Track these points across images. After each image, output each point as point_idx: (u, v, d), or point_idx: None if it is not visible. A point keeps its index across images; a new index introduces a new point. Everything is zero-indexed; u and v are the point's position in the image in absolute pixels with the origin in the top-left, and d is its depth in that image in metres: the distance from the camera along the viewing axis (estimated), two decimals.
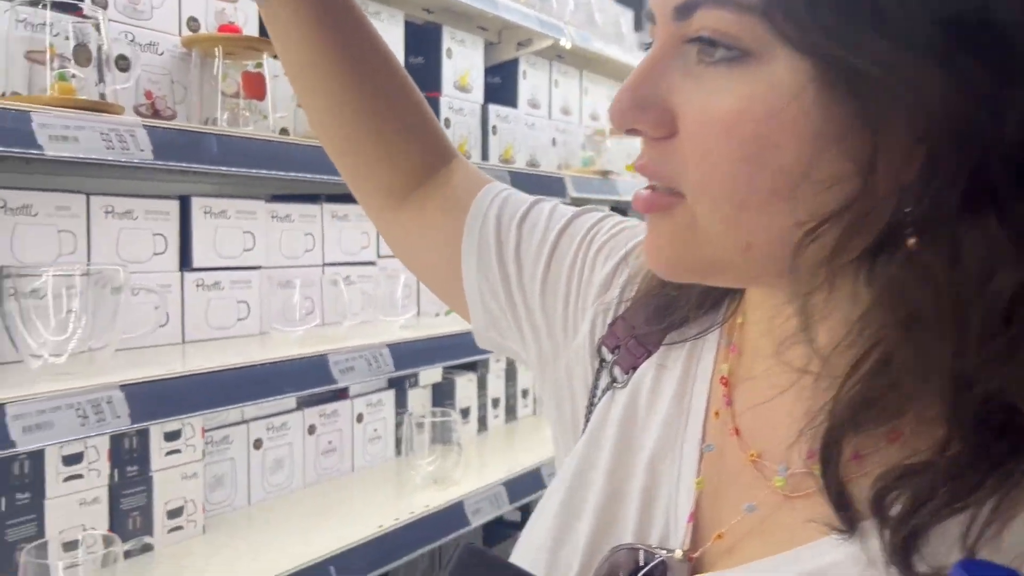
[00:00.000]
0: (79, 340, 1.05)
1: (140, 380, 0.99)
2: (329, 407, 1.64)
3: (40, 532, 1.15)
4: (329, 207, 1.56)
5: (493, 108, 1.77)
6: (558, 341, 0.62)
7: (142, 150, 0.97)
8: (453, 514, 1.53)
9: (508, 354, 0.70)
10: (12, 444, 0.87)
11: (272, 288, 1.42)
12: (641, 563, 0.50)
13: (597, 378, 0.59)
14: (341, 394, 1.69)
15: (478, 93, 1.77)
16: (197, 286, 1.32)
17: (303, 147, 1.20)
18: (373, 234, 1.66)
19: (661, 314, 0.56)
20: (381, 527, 1.39)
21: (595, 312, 0.60)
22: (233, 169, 1.07)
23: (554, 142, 1.98)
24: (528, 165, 1.86)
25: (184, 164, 1.02)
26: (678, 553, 0.49)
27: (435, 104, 1.65)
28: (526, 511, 2.13)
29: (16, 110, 0.89)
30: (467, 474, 1.68)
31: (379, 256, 1.68)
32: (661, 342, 0.56)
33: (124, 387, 0.97)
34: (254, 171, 1.11)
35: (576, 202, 1.94)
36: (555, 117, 2.01)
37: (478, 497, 1.59)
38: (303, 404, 1.61)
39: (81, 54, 0.98)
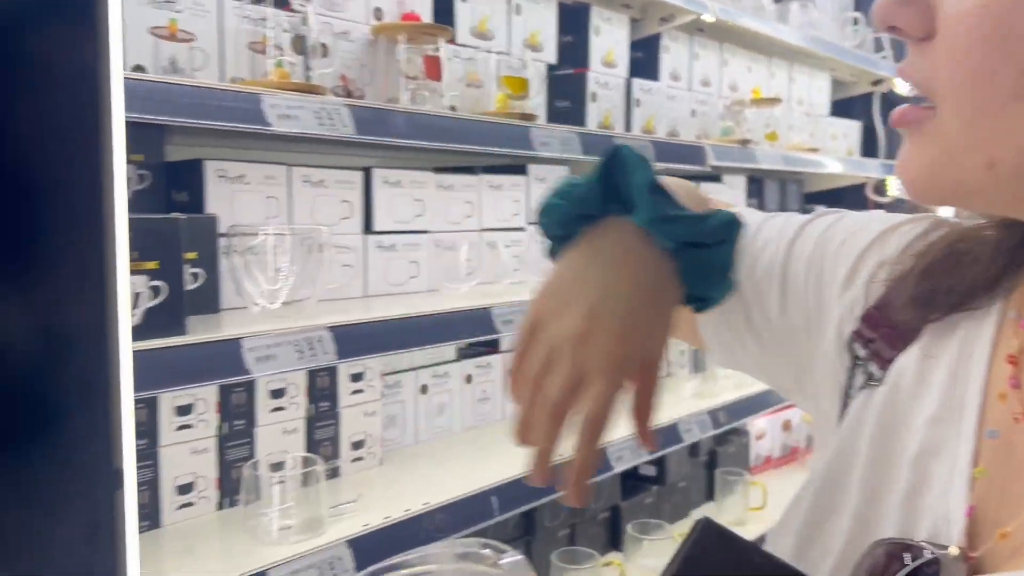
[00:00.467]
0: (289, 290, 1.23)
1: (344, 323, 1.16)
2: (484, 360, 1.80)
3: (252, 454, 1.35)
4: (486, 178, 1.70)
5: (636, 82, 1.86)
6: (804, 352, 0.60)
7: (345, 126, 1.13)
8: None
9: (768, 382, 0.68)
10: (247, 371, 1.05)
11: (438, 250, 1.58)
12: (908, 561, 0.44)
13: (851, 378, 0.55)
14: (494, 349, 1.84)
15: (623, 68, 1.87)
16: (377, 247, 1.49)
17: (472, 122, 1.34)
18: (523, 202, 1.79)
19: (926, 298, 0.51)
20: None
21: (841, 309, 0.56)
22: (416, 142, 1.23)
23: (693, 113, 2.05)
24: (668, 135, 1.95)
25: (377, 138, 1.18)
26: (953, 550, 0.43)
27: (582, 80, 1.76)
28: (661, 463, 2.24)
29: (248, 93, 1.07)
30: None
31: (528, 223, 1.81)
32: (922, 328, 0.51)
33: (331, 328, 1.15)
34: (433, 144, 1.26)
35: (716, 169, 2.02)
36: (695, 89, 2.08)
37: (619, 446, 1.71)
38: (462, 356, 1.77)
39: (294, 44, 1.15)
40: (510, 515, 1.66)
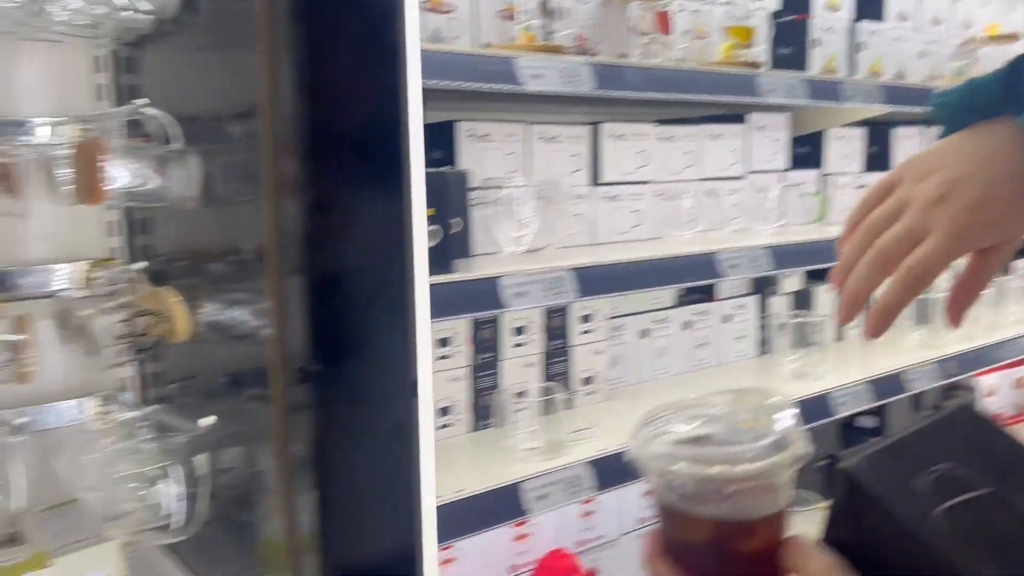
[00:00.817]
0: (531, 238, 1.36)
1: (584, 265, 1.27)
2: (702, 307, 1.86)
3: (497, 383, 1.50)
4: (706, 128, 1.74)
5: (861, 25, 1.82)
6: None
7: (585, 83, 1.23)
8: (819, 404, 1.68)
9: None
10: (503, 305, 1.19)
11: (660, 199, 1.65)
12: None
13: None
14: (710, 297, 1.90)
15: (847, 11, 1.83)
16: (604, 198, 1.58)
17: (700, 73, 1.40)
18: (741, 151, 1.81)
19: None
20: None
21: None
22: (648, 94, 1.30)
23: (922, 54, 1.97)
24: (895, 78, 1.89)
25: (614, 92, 1.27)
26: None
27: (804, 26, 1.75)
28: (882, 416, 2.20)
29: (500, 57, 1.19)
30: (829, 373, 1.81)
31: (747, 172, 1.83)
32: None
33: (573, 270, 1.26)
34: (663, 95, 1.33)
35: None
36: (924, 29, 2.00)
37: (842, 392, 1.72)
38: (680, 303, 1.85)
39: (540, 8, 1.26)
40: None
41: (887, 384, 1.81)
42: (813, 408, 1.67)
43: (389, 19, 0.95)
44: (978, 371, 2.20)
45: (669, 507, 0.56)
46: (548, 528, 1.53)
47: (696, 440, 0.55)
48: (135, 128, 1.31)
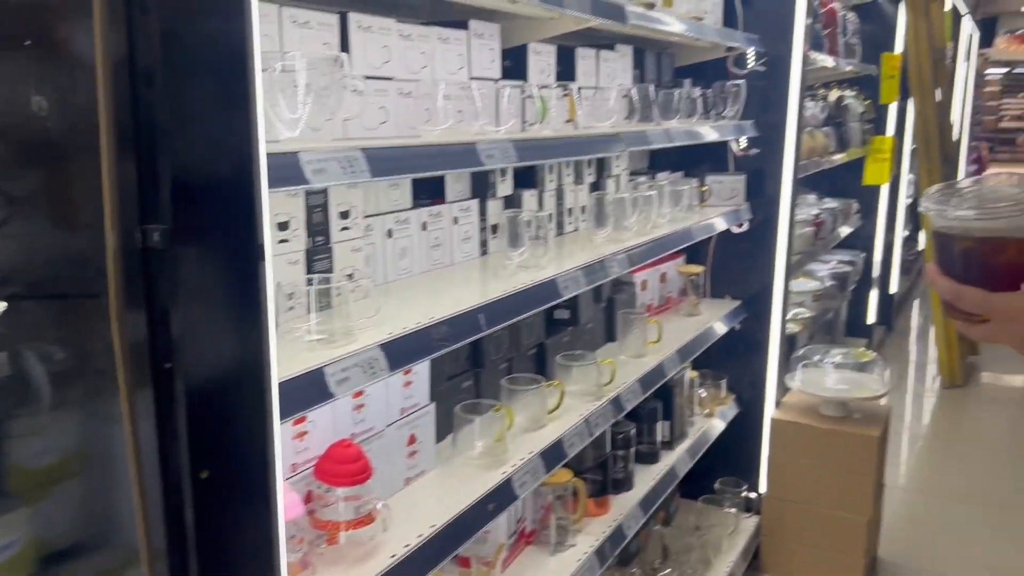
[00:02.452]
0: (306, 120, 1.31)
1: (377, 146, 1.27)
2: (435, 208, 1.93)
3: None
4: (437, 30, 1.79)
5: None
6: None
7: None
8: (549, 287, 1.86)
9: None
10: (307, 181, 1.14)
11: (402, 97, 1.68)
12: None
13: None
14: (442, 199, 1.98)
15: None
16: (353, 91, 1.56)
17: None
18: (464, 56, 1.90)
19: None
20: (504, 292, 1.72)
21: None
22: None
23: None
24: None
25: None
26: None
27: None
28: (574, 310, 2.48)
29: None
30: (550, 264, 2.00)
31: (470, 77, 1.92)
32: None
33: (362, 150, 1.25)
34: None
35: (634, 29, 2.19)
36: None
37: (564, 277, 1.92)
38: (416, 205, 1.90)
39: None
40: (461, 346, 1.84)
41: (593, 269, 2.06)
42: (542, 292, 1.85)
43: None
44: (640, 266, 2.57)
45: (942, 236, 0.94)
46: (324, 423, 1.51)
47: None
48: None
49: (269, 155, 1.07)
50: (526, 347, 2.24)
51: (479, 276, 1.96)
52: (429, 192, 1.98)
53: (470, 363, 2.04)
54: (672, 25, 2.35)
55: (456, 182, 2.03)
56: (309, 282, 1.39)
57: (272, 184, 1.07)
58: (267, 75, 1.25)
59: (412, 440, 1.75)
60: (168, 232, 0.88)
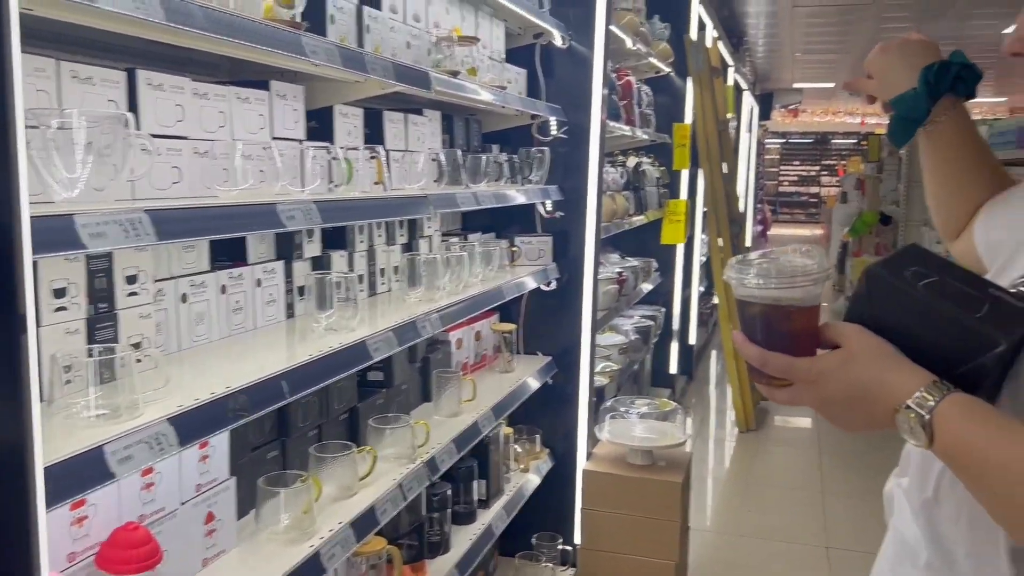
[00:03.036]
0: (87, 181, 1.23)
1: (164, 208, 1.20)
2: (236, 271, 1.86)
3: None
4: (236, 90, 1.75)
5: (366, 9, 2.02)
6: None
7: (156, 14, 1.17)
8: (358, 350, 1.83)
9: None
10: (84, 246, 1.07)
11: (197, 156, 1.62)
12: None
13: None
14: (244, 261, 1.91)
15: None
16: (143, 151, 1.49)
17: (255, 23, 1.42)
18: (266, 116, 1.86)
19: None
20: (311, 356, 1.67)
21: None
22: (216, 37, 1.28)
23: (409, 45, 2.26)
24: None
25: (186, 28, 1.22)
26: None
27: (322, 3, 1.88)
28: (388, 371, 2.45)
29: None
30: (360, 326, 1.97)
31: (272, 138, 1.88)
32: None
33: (148, 212, 1.19)
34: (231, 40, 1.32)
35: (438, 94, 2.25)
36: (409, 22, 2.29)
37: (375, 339, 1.90)
38: (215, 267, 1.82)
39: None
40: (266, 414, 1.78)
41: (405, 330, 2.05)
42: (351, 355, 1.81)
43: None
44: (452, 325, 2.59)
45: (750, 305, 0.97)
46: (108, 505, 1.38)
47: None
48: None
49: (37, 218, 0.99)
50: (337, 412, 2.18)
51: (284, 340, 1.89)
52: (229, 254, 1.90)
53: (276, 432, 1.96)
54: (476, 93, 2.43)
55: (259, 243, 1.96)
56: (89, 353, 1.29)
57: (41, 249, 0.99)
58: (40, 133, 1.16)
59: (210, 518, 1.64)
60: None
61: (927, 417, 0.86)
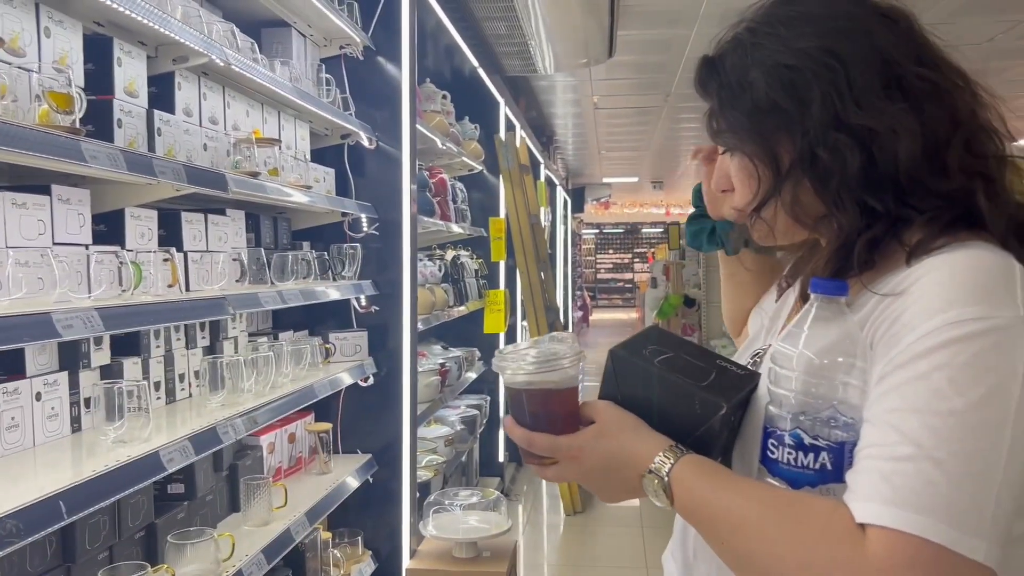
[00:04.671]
0: None
1: None
2: (11, 384, 1.73)
3: None
4: (11, 195, 1.67)
5: (157, 113, 2.00)
6: None
7: None
8: (151, 461, 1.74)
9: None
10: None
11: None
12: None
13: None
14: (22, 374, 1.78)
15: (143, 99, 1.99)
16: None
17: (31, 130, 1.37)
18: (46, 222, 1.78)
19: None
20: (94, 472, 1.57)
21: None
22: None
23: (205, 147, 2.25)
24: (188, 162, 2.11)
25: None
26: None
27: (108, 106, 1.84)
28: (187, 482, 2.33)
29: None
30: (154, 435, 1.88)
31: (53, 243, 1.80)
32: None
33: None
34: None
35: (236, 195, 2.24)
36: (205, 125, 2.28)
37: (169, 449, 1.81)
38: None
39: None
40: (47, 540, 1.66)
41: (205, 437, 1.97)
42: (142, 468, 1.72)
43: None
44: (260, 428, 2.51)
45: (513, 391, 1.05)
46: None
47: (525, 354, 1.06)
48: None
49: None
50: (131, 531, 2.04)
51: (68, 457, 1.77)
52: (5, 367, 1.77)
53: (60, 557, 1.80)
54: (279, 193, 2.44)
55: (39, 354, 1.84)
56: None
57: None
58: None
59: None
60: None
61: (666, 479, 0.95)
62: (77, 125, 1.57)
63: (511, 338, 6.49)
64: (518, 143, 6.75)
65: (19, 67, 1.57)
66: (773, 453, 0.93)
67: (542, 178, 9.22)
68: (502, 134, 6.20)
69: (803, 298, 1.02)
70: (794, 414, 0.91)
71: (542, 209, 9.06)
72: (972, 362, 0.82)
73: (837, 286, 0.91)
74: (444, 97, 4.84)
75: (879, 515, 0.80)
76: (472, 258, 5.82)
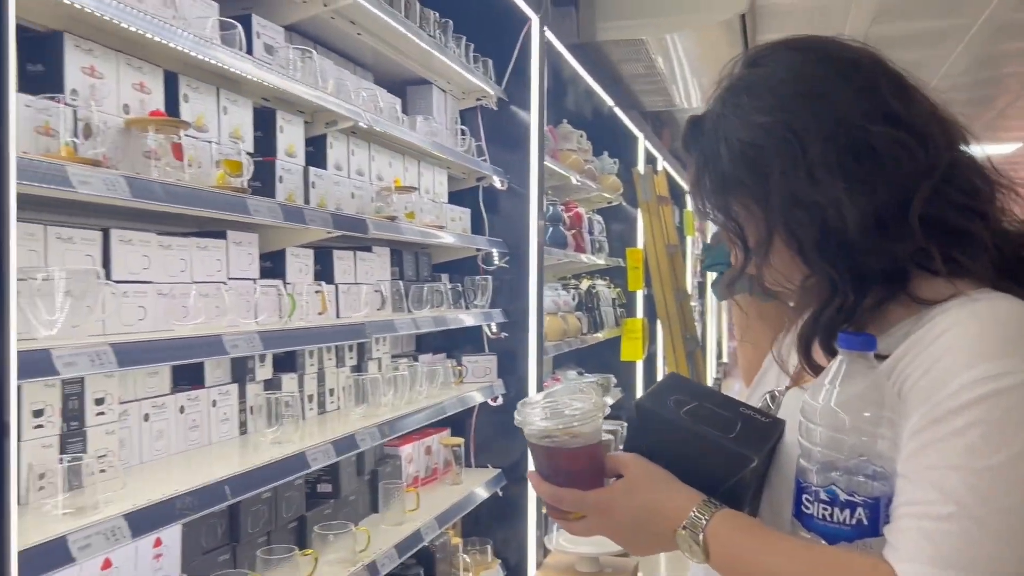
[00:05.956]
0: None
1: (124, 341, 1.51)
2: (193, 393, 2.15)
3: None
4: (196, 240, 2.09)
5: (312, 168, 2.40)
6: None
7: (123, 191, 1.51)
8: (298, 460, 2.09)
9: None
10: (58, 372, 1.37)
11: (161, 297, 1.94)
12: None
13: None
14: (201, 384, 2.20)
15: (300, 157, 2.39)
16: (112, 294, 1.81)
17: (209, 192, 1.77)
18: (223, 261, 2.20)
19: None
20: (253, 465, 1.94)
21: None
22: (170, 206, 1.63)
23: (353, 195, 2.64)
24: (336, 211, 2.50)
25: (146, 202, 1.57)
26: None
27: (271, 166, 2.25)
28: (334, 483, 2.70)
29: (56, 163, 1.41)
30: (303, 439, 2.25)
31: (228, 278, 2.21)
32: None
33: (110, 345, 1.49)
34: (185, 208, 1.67)
35: (376, 236, 2.60)
36: (353, 177, 2.68)
37: (313, 450, 2.17)
38: (175, 390, 2.11)
39: (85, 130, 1.50)
40: (218, 521, 2.03)
41: (345, 443, 2.32)
42: (291, 464, 2.08)
43: None
44: (399, 435, 2.86)
45: (538, 447, 1.03)
46: None
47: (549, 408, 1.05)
48: None
49: (22, 352, 1.30)
50: (286, 520, 2.42)
51: (235, 453, 2.16)
52: (189, 378, 2.20)
53: (227, 537, 2.19)
54: (412, 234, 2.79)
55: (215, 369, 2.26)
56: (60, 462, 1.56)
57: (24, 375, 1.29)
58: (28, 284, 1.48)
59: None
60: None
61: (701, 535, 0.94)
62: (245, 185, 1.96)
63: (649, 366, 6.62)
64: (657, 175, 6.93)
65: (204, 140, 1.99)
66: (808, 508, 0.92)
67: (690, 207, 9.29)
68: (641, 167, 6.40)
69: (803, 350, 1.03)
70: (827, 469, 0.90)
71: (689, 239, 9.13)
72: (1007, 417, 0.83)
73: (865, 341, 0.90)
74: (581, 136, 5.12)
75: (925, 575, 0.82)
76: (609, 287, 6.04)
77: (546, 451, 1.04)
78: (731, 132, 1.00)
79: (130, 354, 1.54)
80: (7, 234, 1.19)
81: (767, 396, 1.15)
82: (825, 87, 0.97)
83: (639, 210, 6.31)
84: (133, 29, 1.63)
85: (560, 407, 1.04)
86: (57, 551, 1.36)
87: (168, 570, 1.92)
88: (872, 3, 5.45)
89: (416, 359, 3.41)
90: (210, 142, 2.01)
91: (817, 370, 0.98)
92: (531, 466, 1.10)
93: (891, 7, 5.49)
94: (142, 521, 1.55)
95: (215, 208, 1.79)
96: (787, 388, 1.12)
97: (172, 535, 1.93)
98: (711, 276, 1.43)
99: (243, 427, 2.35)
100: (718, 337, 12.76)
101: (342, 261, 2.73)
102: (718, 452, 0.99)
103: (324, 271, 2.65)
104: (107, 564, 1.71)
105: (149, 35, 1.66)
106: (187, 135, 1.89)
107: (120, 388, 1.87)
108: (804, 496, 0.93)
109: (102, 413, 1.80)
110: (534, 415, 1.04)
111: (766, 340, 1.34)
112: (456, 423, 3.54)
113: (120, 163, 1.70)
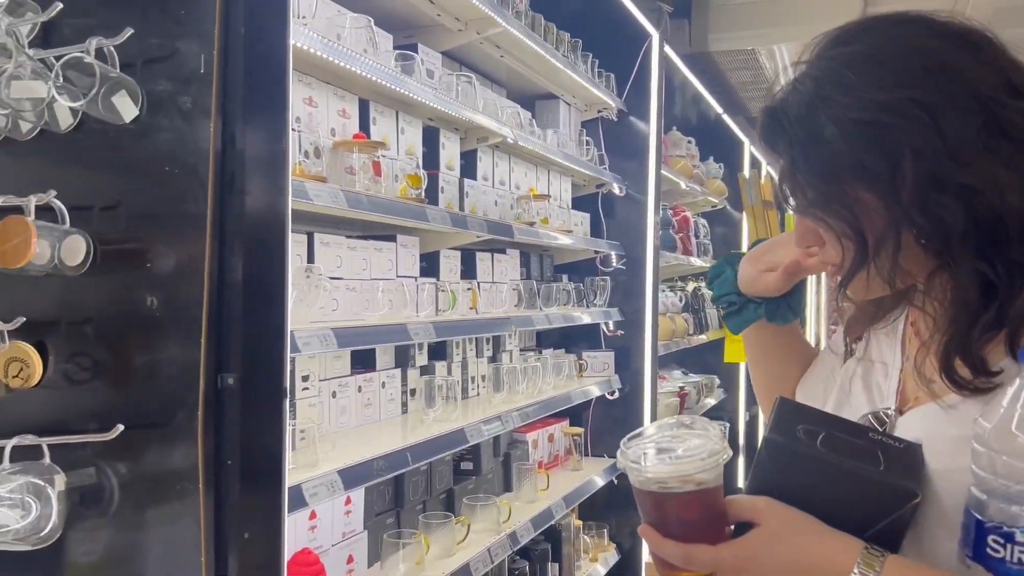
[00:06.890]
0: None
1: (342, 326, 1.82)
2: (368, 375, 2.47)
3: None
4: (372, 243, 2.41)
5: (466, 180, 2.70)
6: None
7: (342, 203, 1.82)
8: (457, 436, 2.39)
9: None
10: (299, 351, 1.68)
11: (349, 292, 2.26)
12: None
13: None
14: (373, 368, 2.52)
15: (456, 171, 2.70)
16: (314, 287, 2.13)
17: (399, 202, 2.08)
18: (393, 261, 2.51)
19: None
20: (426, 437, 2.24)
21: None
22: (374, 215, 1.94)
23: (496, 203, 2.93)
24: (484, 217, 2.80)
25: (358, 211, 1.88)
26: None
27: (436, 179, 2.56)
28: (476, 462, 3.00)
29: (298, 180, 1.73)
30: (459, 419, 2.55)
31: (397, 275, 2.52)
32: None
33: (333, 329, 1.81)
34: (384, 216, 1.98)
35: (517, 239, 2.89)
36: (496, 187, 2.97)
37: (471, 429, 2.46)
38: (353, 372, 2.43)
39: (315, 152, 1.83)
40: (386, 489, 2.34)
41: (493, 423, 2.61)
42: (453, 438, 2.38)
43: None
44: (527, 423, 3.13)
45: (653, 495, 0.88)
46: (289, 539, 1.95)
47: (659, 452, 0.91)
48: None
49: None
50: (438, 491, 2.73)
51: (401, 429, 2.48)
52: (363, 363, 2.52)
53: (394, 503, 2.51)
54: (548, 238, 3.07)
55: (384, 355, 2.58)
56: (291, 427, 1.89)
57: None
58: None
59: (351, 559, 2.18)
60: (238, 379, 1.39)
61: None
62: (423, 196, 2.27)
63: None
64: (763, 180, 7.02)
65: (388, 157, 2.31)
66: (998, 552, 0.80)
67: (789, 211, 9.29)
68: (746, 171, 6.53)
69: (945, 363, 0.90)
70: (1012, 502, 0.78)
71: None
72: None
73: None
74: (689, 142, 5.31)
75: None
76: None
77: (653, 496, 0.88)
78: (840, 112, 0.87)
79: (344, 337, 1.85)
80: (285, 237, 1.50)
81: (869, 417, 1.02)
82: (950, 60, 0.87)
83: (743, 214, 6.44)
84: (342, 64, 1.95)
85: (673, 445, 0.89)
86: (296, 497, 1.67)
87: (354, 525, 2.23)
88: (987, 7, 5.44)
89: (540, 353, 3.68)
90: (391, 159, 2.32)
91: (960, 386, 0.88)
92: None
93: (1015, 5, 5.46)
94: (350, 477, 1.86)
95: (404, 216, 2.10)
96: (904, 407, 0.99)
97: (358, 496, 2.25)
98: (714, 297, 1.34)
99: (404, 407, 2.66)
100: (816, 336, 12.65)
101: (483, 262, 3.02)
102: (871, 488, 0.87)
103: (468, 271, 2.95)
104: (313, 515, 2.04)
105: (353, 68, 1.98)
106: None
107: (321, 368, 2.20)
108: (991, 538, 0.80)
109: (307, 388, 2.13)
110: (645, 456, 0.88)
111: (782, 366, 1.30)
112: (573, 414, 3.79)
113: (328, 178, 2.03)
